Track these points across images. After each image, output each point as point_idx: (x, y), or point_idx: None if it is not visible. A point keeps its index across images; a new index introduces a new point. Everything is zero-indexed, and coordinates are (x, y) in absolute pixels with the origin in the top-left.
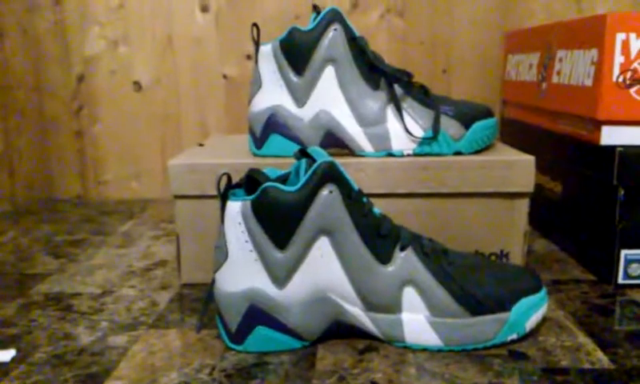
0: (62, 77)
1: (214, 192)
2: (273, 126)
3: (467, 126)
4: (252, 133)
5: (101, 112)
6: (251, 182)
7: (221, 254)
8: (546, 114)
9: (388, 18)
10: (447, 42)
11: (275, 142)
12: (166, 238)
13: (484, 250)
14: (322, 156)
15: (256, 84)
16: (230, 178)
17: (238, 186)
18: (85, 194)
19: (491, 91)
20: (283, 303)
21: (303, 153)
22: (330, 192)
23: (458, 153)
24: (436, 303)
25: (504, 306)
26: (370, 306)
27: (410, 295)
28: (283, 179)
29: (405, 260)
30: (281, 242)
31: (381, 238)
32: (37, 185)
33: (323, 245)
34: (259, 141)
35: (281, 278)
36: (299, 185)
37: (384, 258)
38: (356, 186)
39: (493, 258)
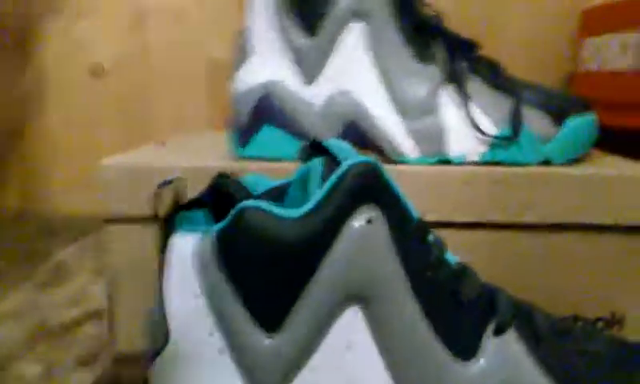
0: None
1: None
2: (266, 112)
3: (559, 122)
4: (234, 124)
5: (49, 102)
6: (220, 198)
7: (156, 329)
8: None
9: None
10: (493, 28)
11: (269, 136)
12: None
13: (588, 311)
14: (350, 154)
15: (243, 50)
16: (181, 190)
17: (197, 204)
18: (26, 207)
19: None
20: None
21: (316, 147)
22: (369, 222)
23: (546, 161)
24: None
25: None
26: None
27: None
28: (278, 194)
29: (502, 352)
30: (271, 321)
31: (461, 311)
32: None
33: (353, 326)
34: (245, 135)
35: None
36: (309, 206)
37: (465, 348)
38: (416, 213)
39: (600, 324)
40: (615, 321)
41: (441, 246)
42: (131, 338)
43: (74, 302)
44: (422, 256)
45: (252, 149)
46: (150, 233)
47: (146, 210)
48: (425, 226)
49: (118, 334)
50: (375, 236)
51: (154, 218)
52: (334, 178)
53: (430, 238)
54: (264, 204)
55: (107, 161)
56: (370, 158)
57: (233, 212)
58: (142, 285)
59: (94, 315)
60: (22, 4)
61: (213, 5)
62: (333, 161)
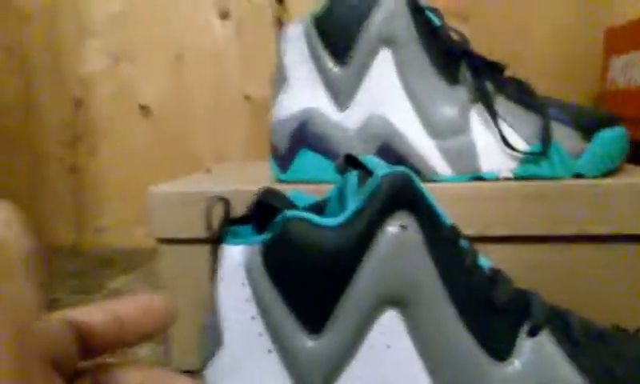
0: (55, 100)
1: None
2: (304, 138)
3: (589, 137)
4: (274, 150)
5: (100, 142)
6: (265, 213)
7: (211, 337)
8: None
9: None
10: (521, 52)
11: (307, 160)
12: None
13: (626, 322)
14: (382, 166)
15: (280, 81)
16: (228, 207)
17: (243, 220)
18: (80, 243)
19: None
20: None
21: (352, 161)
22: (403, 228)
23: (577, 175)
24: None
25: None
26: None
27: None
28: (318, 208)
29: (537, 353)
30: (314, 323)
31: (495, 314)
32: None
33: (391, 328)
34: (284, 160)
35: None
36: (346, 215)
37: (500, 349)
38: (448, 219)
39: None
40: None
41: (473, 250)
42: (186, 356)
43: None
44: (456, 260)
45: (292, 173)
46: (200, 252)
47: (192, 231)
48: (457, 231)
49: (173, 354)
50: (409, 241)
51: (207, 230)
52: (368, 187)
53: (462, 243)
54: (305, 213)
55: (154, 188)
56: (402, 167)
57: (277, 222)
58: (193, 303)
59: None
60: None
61: (250, 44)
62: (367, 173)
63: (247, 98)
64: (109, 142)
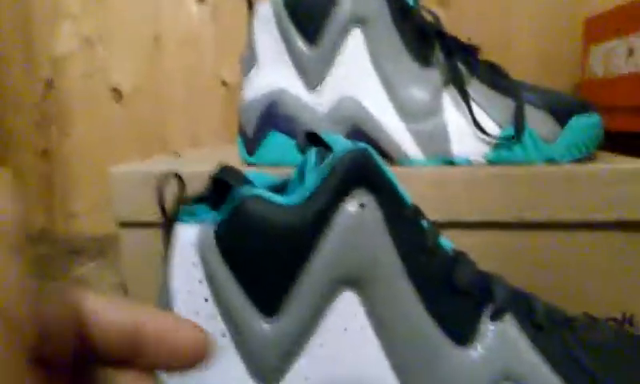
0: (26, 82)
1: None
2: (272, 119)
3: (563, 122)
4: (242, 132)
5: (72, 125)
6: (223, 192)
7: None
8: None
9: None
10: (501, 40)
11: (275, 142)
12: None
13: (597, 311)
14: (343, 143)
15: (249, 61)
16: (182, 184)
17: (200, 200)
18: (50, 228)
19: None
20: None
21: (313, 138)
22: (362, 206)
23: (550, 161)
24: None
25: None
26: None
27: None
28: (279, 189)
29: (500, 338)
30: (269, 305)
31: (456, 296)
32: None
33: (349, 310)
34: (253, 142)
35: (269, 368)
36: (303, 192)
37: (462, 333)
38: (409, 198)
39: (611, 323)
40: (627, 320)
41: (435, 231)
42: None
43: None
44: (416, 240)
45: (259, 156)
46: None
47: (153, 214)
48: (418, 211)
49: None
50: (368, 220)
51: (159, 208)
52: (326, 164)
53: (424, 223)
54: (260, 191)
55: (118, 168)
56: (361, 144)
57: (232, 199)
58: (154, 290)
59: None
60: (47, 27)
61: (227, 28)
62: (327, 151)
63: (223, 82)
64: (80, 125)
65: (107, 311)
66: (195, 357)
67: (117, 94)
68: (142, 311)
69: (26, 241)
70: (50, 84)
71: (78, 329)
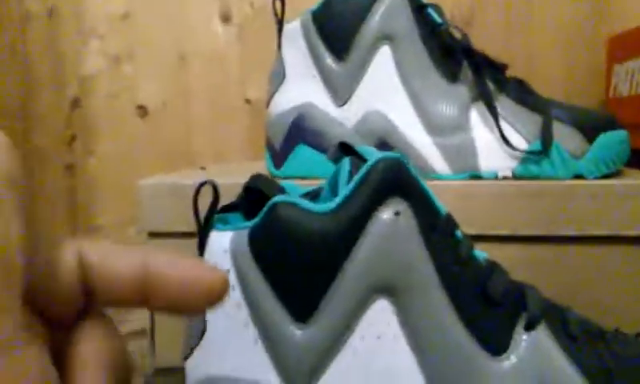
0: (53, 100)
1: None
2: (300, 132)
3: (591, 138)
4: (269, 146)
5: (97, 142)
6: (256, 201)
7: (194, 326)
8: None
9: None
10: (525, 60)
11: (303, 156)
12: None
13: (625, 324)
14: (378, 154)
15: (277, 77)
16: (217, 193)
17: (233, 208)
18: None
19: None
20: None
21: (346, 150)
22: (397, 215)
23: (577, 176)
24: None
25: None
26: None
27: None
28: (311, 198)
29: (534, 348)
30: (302, 312)
31: (490, 306)
32: None
33: (382, 318)
34: (280, 155)
35: (301, 375)
36: (337, 200)
37: (496, 344)
38: (443, 209)
39: None
40: None
41: (468, 241)
42: (170, 354)
43: (117, 322)
44: (450, 250)
45: (287, 169)
46: (190, 246)
47: (182, 224)
48: (452, 221)
49: (158, 350)
50: (403, 228)
51: (194, 216)
52: (361, 172)
53: (458, 233)
54: (295, 199)
55: (144, 181)
56: (395, 153)
57: (266, 207)
58: None
59: (134, 334)
60: (71, 48)
61: (252, 47)
62: (360, 161)
63: (247, 101)
64: (106, 141)
65: (112, 257)
66: (209, 296)
67: (142, 111)
68: (150, 253)
69: (22, 192)
70: (76, 103)
71: (83, 278)
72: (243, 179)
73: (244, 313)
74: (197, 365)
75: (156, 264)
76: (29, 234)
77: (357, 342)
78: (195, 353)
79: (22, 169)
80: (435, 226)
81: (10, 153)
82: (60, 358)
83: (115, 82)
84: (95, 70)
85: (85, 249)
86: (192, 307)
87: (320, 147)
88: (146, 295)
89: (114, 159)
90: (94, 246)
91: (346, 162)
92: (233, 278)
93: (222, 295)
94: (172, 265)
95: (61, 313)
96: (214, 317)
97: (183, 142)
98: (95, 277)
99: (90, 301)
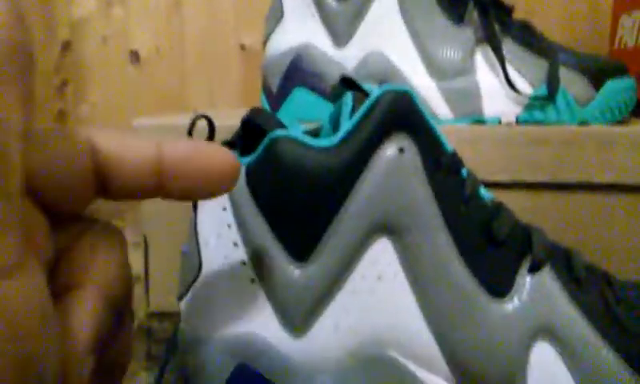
0: (42, 44)
1: None
2: (298, 74)
3: (597, 84)
4: (266, 88)
5: (89, 88)
6: (254, 137)
7: (189, 264)
8: None
9: None
10: (527, 7)
11: (301, 98)
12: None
13: (627, 272)
14: (384, 87)
15: (274, 16)
16: (212, 127)
17: (229, 145)
18: None
19: None
20: (302, 370)
21: (348, 83)
22: (401, 151)
23: (583, 123)
24: (594, 373)
25: None
26: (468, 376)
27: (545, 355)
28: (312, 135)
29: (537, 291)
30: (301, 251)
31: (494, 247)
32: None
33: (383, 257)
34: (277, 98)
35: (299, 315)
36: (339, 135)
37: (499, 285)
38: (449, 146)
39: None
40: None
41: (474, 180)
42: (164, 297)
43: None
44: (455, 189)
45: (284, 112)
46: None
47: None
48: (458, 159)
49: (151, 295)
50: (407, 165)
51: None
52: (367, 104)
53: (464, 171)
54: (294, 133)
55: (140, 121)
56: (402, 86)
57: (264, 142)
58: (175, 238)
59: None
60: None
61: None
62: (363, 93)
63: (242, 47)
64: (98, 86)
65: (126, 143)
66: (223, 177)
67: (135, 56)
68: (163, 141)
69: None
70: (67, 46)
71: (96, 166)
72: (238, 122)
73: (241, 251)
74: (192, 305)
75: (170, 148)
76: (33, 118)
77: (357, 281)
78: (190, 293)
79: (29, 37)
80: (440, 164)
81: (13, 15)
82: (59, 265)
83: (107, 26)
84: (87, 12)
85: (98, 137)
86: (207, 190)
87: (319, 90)
88: (161, 180)
89: (107, 106)
90: (107, 134)
91: (349, 97)
92: (229, 216)
93: (236, 176)
94: (187, 147)
95: (72, 206)
96: (209, 255)
97: (177, 88)
98: (110, 163)
99: (103, 192)
